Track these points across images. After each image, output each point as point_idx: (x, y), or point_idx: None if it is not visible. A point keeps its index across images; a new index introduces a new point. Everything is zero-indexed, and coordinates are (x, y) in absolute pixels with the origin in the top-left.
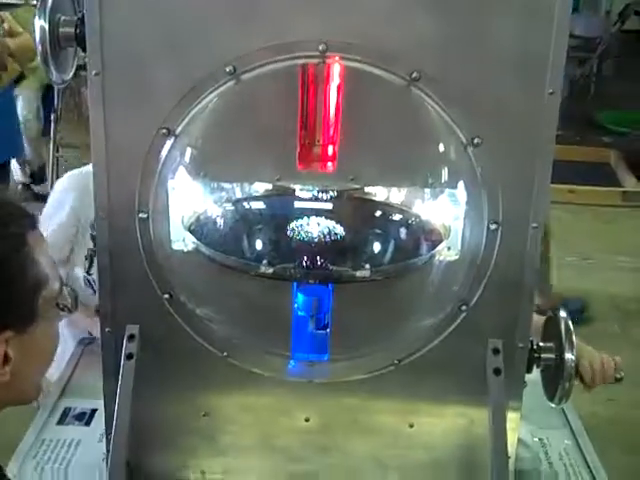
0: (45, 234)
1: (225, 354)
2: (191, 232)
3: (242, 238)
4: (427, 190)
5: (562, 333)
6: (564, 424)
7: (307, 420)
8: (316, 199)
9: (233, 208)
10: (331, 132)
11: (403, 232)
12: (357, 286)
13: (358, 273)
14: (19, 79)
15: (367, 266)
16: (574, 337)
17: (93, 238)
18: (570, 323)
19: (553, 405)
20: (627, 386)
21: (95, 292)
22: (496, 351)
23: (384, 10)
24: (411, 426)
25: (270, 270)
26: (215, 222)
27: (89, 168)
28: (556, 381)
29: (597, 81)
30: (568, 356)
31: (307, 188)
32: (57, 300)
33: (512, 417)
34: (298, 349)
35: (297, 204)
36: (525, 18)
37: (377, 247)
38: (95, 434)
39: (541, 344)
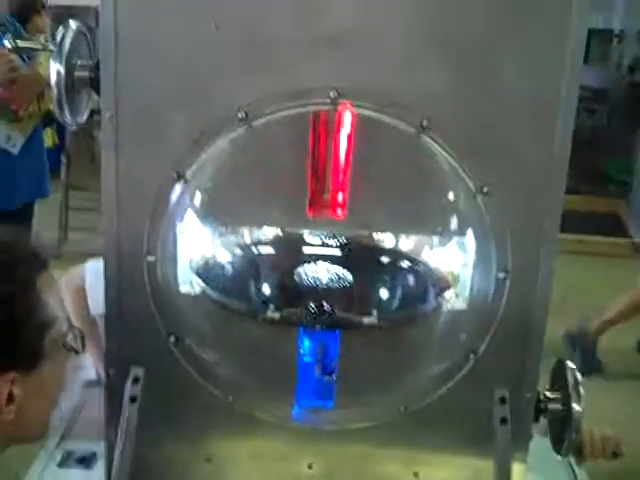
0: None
1: (230, 399)
2: (198, 275)
3: (249, 282)
4: (436, 238)
5: (569, 383)
6: (570, 478)
7: (310, 467)
8: (325, 245)
9: (241, 253)
10: (341, 179)
11: (411, 279)
12: (364, 333)
13: (365, 320)
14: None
15: (375, 313)
16: (581, 388)
17: None
18: (577, 374)
19: (559, 458)
20: (635, 436)
21: None
22: (503, 400)
23: (395, 58)
24: (416, 475)
25: (277, 315)
26: (223, 266)
27: None
28: (563, 432)
29: (607, 133)
30: (575, 407)
31: (316, 234)
32: (64, 341)
33: (518, 469)
34: (303, 395)
35: (306, 249)
36: (536, 66)
37: (385, 294)
38: (96, 478)
39: (548, 394)
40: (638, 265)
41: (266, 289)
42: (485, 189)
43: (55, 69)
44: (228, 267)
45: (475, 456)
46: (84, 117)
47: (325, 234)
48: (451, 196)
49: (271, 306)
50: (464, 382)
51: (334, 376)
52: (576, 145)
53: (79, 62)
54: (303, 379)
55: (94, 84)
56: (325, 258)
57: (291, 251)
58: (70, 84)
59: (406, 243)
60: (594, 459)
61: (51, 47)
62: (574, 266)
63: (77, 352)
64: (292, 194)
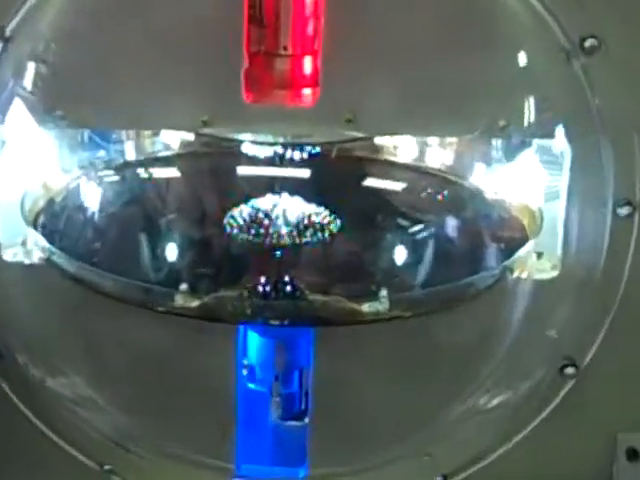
0: None
1: (107, 467)
2: (38, 228)
3: (139, 240)
4: (495, 143)
5: None
6: None
7: None
8: (281, 161)
9: (119, 180)
10: (309, 30)
11: (450, 225)
12: (362, 332)
13: (366, 307)
14: None
15: (383, 293)
16: None
17: None
18: None
19: None
20: None
21: None
22: (633, 453)
23: None
24: None
25: (194, 303)
26: (85, 209)
27: None
28: None
29: None
30: None
31: (263, 140)
32: None
33: None
34: (248, 457)
35: (243, 171)
36: None
37: (401, 255)
38: None
39: None
40: None
41: (170, 252)
42: (589, 43)
43: None
44: (97, 211)
45: None
46: None
47: (280, 139)
48: (523, 59)
49: (182, 286)
50: (557, 421)
51: (307, 419)
52: None
53: None
54: (248, 427)
55: None
56: (281, 187)
57: (216, 175)
58: None
59: (439, 154)
60: None
61: None
62: None
63: None
64: (212, 62)
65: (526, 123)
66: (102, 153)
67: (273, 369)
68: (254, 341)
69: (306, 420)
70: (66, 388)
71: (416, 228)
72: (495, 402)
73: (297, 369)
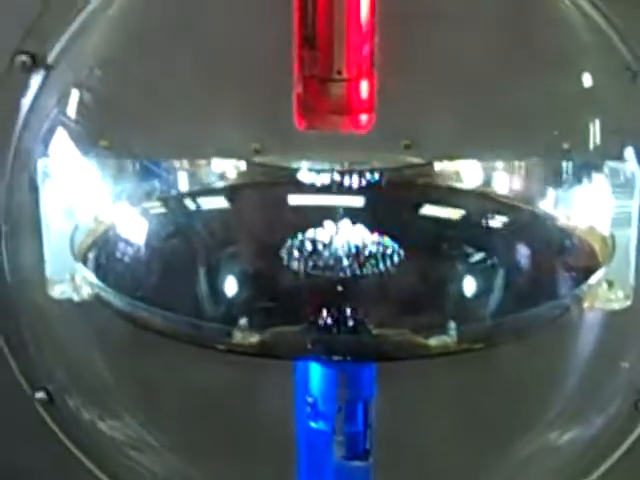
0: None
1: None
2: (87, 264)
3: (194, 275)
4: (563, 166)
5: None
6: None
7: None
8: (339, 189)
9: (171, 213)
10: (364, 51)
11: (518, 252)
12: (429, 367)
13: (433, 340)
14: None
15: (451, 325)
16: None
17: None
18: None
19: None
20: None
21: None
22: None
23: None
24: None
25: (252, 339)
26: (137, 246)
27: None
28: None
29: None
30: None
31: (317, 167)
32: None
33: None
34: None
35: (300, 200)
36: None
37: (468, 285)
38: None
39: None
40: None
41: (230, 287)
42: None
43: None
44: (149, 245)
45: None
46: None
47: (335, 166)
48: (587, 78)
49: (241, 320)
50: (633, 458)
51: (370, 459)
52: None
53: None
54: (308, 467)
55: None
56: (341, 215)
57: (272, 205)
58: None
59: (503, 179)
60: None
61: None
62: None
63: None
64: (263, 87)
65: (592, 145)
66: (151, 185)
67: (335, 402)
68: (316, 373)
69: (369, 461)
70: (119, 431)
71: (482, 256)
72: (566, 439)
73: (361, 403)
